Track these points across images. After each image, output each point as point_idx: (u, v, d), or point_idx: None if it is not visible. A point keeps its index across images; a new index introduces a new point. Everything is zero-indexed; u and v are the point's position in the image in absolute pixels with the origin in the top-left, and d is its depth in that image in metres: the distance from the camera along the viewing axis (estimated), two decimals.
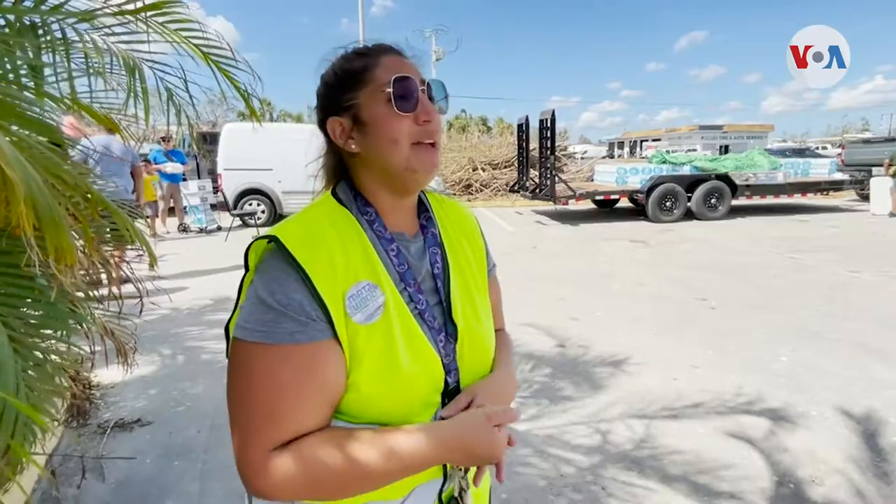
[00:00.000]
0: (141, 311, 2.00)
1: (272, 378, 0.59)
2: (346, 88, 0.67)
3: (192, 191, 9.17)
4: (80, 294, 1.49)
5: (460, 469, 0.70)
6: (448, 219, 0.79)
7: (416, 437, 0.62)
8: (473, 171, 14.74)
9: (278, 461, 0.59)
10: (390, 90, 0.64)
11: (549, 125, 9.75)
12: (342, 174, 0.73)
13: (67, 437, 2.46)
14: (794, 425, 2.55)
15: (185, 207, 9.08)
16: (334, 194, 0.71)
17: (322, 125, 0.71)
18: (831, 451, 2.32)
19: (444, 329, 0.70)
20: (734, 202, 10.12)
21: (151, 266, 1.77)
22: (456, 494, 0.71)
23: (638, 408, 2.74)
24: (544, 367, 3.29)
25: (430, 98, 0.68)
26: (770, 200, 10.63)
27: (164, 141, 8.98)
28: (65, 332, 1.39)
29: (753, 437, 2.44)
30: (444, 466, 0.70)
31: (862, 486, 2.08)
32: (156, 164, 8.60)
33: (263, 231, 0.66)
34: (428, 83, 0.68)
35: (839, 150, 13.94)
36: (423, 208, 0.77)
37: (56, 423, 1.86)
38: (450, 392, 0.69)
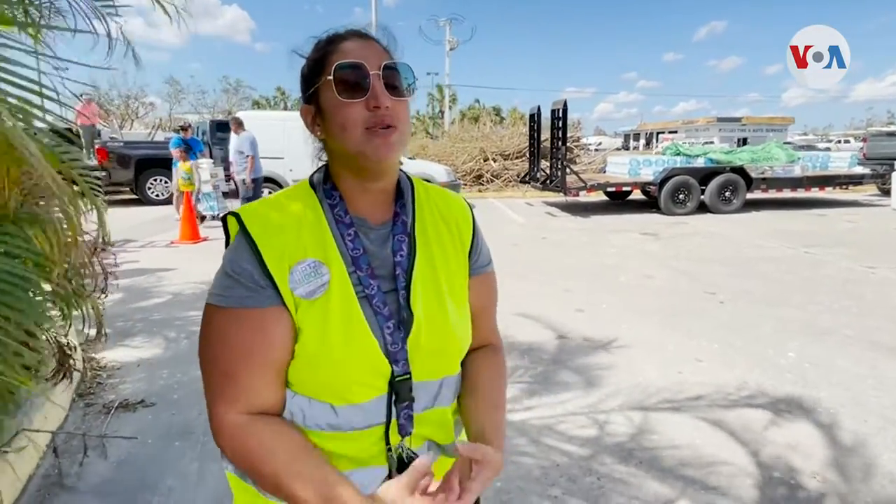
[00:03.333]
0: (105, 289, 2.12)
1: (225, 337, 0.66)
2: (311, 76, 0.70)
3: (205, 178, 9.23)
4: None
5: (394, 460, 0.71)
6: (430, 207, 0.78)
7: (348, 497, 0.61)
8: (485, 161, 14.66)
9: (231, 425, 0.65)
10: (330, 78, 0.66)
11: (560, 115, 9.63)
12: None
13: (72, 416, 2.52)
14: (797, 421, 2.51)
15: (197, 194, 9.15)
16: (310, 179, 0.74)
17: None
18: (835, 448, 2.28)
19: (398, 317, 0.69)
20: (749, 196, 9.93)
21: (105, 239, 1.85)
22: None
23: (638, 400, 2.72)
24: (545, 357, 3.27)
25: (394, 83, 0.67)
26: (787, 194, 10.42)
27: (182, 130, 9.05)
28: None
29: (754, 431, 2.41)
30: (388, 452, 0.70)
31: (864, 483, 2.04)
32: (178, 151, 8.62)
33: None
34: (387, 67, 0.67)
35: (861, 144, 13.55)
36: (401, 196, 0.76)
37: (33, 381, 1.94)
38: (397, 381, 0.68)
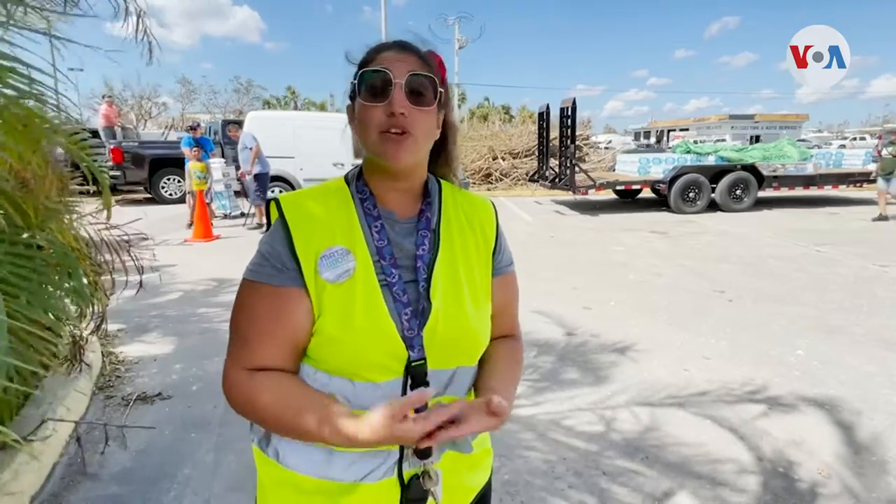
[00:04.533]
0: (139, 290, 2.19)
1: (248, 307, 0.74)
2: (353, 78, 0.76)
3: (217, 177, 9.36)
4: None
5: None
6: (455, 208, 0.83)
7: (344, 420, 0.68)
8: (493, 160, 14.66)
9: (240, 379, 0.72)
10: (355, 81, 0.74)
11: (569, 113, 9.63)
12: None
13: (93, 408, 2.60)
14: (804, 419, 2.52)
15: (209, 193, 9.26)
16: (346, 175, 0.81)
17: None
18: (843, 445, 2.29)
19: (417, 306, 0.74)
20: (761, 194, 9.84)
21: (107, 216, 1.94)
22: (420, 478, 0.74)
23: (645, 397, 2.74)
24: (552, 354, 3.30)
25: (419, 92, 0.72)
26: (799, 192, 10.30)
27: (191, 129, 9.18)
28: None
29: (761, 429, 2.42)
30: None
31: (871, 482, 2.05)
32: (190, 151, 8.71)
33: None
34: (413, 76, 0.72)
35: (876, 141, 13.33)
36: (428, 195, 0.81)
37: (47, 370, 2.02)
38: (413, 367, 0.72)
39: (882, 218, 8.33)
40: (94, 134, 10.46)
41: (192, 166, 8.17)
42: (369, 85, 0.72)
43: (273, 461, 0.77)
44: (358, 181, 0.79)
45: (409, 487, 0.74)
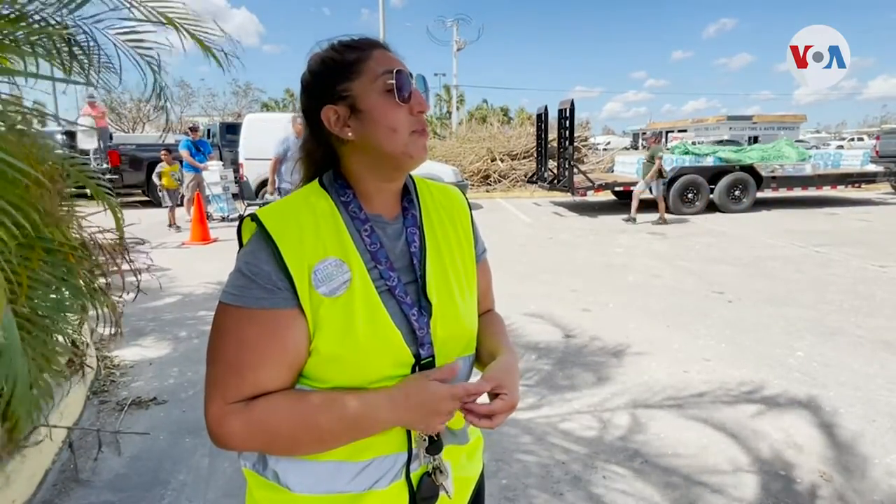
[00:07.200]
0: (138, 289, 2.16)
1: (238, 335, 0.66)
2: (340, 79, 0.70)
3: (215, 180, 9.34)
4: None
5: (424, 439, 0.72)
6: (434, 202, 0.82)
7: (364, 398, 0.68)
8: (492, 161, 14.64)
9: (236, 412, 0.66)
10: (392, 82, 0.69)
11: (568, 115, 9.63)
12: (329, 162, 0.76)
13: (86, 413, 2.58)
14: (805, 421, 2.50)
15: (207, 196, 9.25)
16: (320, 181, 0.76)
17: (309, 113, 0.74)
18: (843, 448, 2.27)
19: (419, 305, 0.73)
20: (760, 194, 9.84)
21: (119, 234, 1.92)
22: (431, 475, 0.73)
23: (644, 399, 2.72)
24: (551, 357, 3.28)
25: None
26: (798, 193, 10.30)
27: (191, 131, 9.16)
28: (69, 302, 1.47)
29: (761, 431, 2.40)
30: (409, 441, 0.72)
31: (873, 484, 2.03)
32: (189, 154, 8.68)
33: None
34: (415, 77, 0.73)
35: (874, 142, 13.36)
36: (407, 192, 0.80)
37: (59, 381, 1.99)
38: (423, 364, 0.72)
39: (630, 219, 8.71)
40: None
41: (168, 169, 8.25)
42: (401, 84, 0.69)
43: (273, 484, 0.72)
44: (336, 185, 0.74)
45: (420, 487, 0.73)
